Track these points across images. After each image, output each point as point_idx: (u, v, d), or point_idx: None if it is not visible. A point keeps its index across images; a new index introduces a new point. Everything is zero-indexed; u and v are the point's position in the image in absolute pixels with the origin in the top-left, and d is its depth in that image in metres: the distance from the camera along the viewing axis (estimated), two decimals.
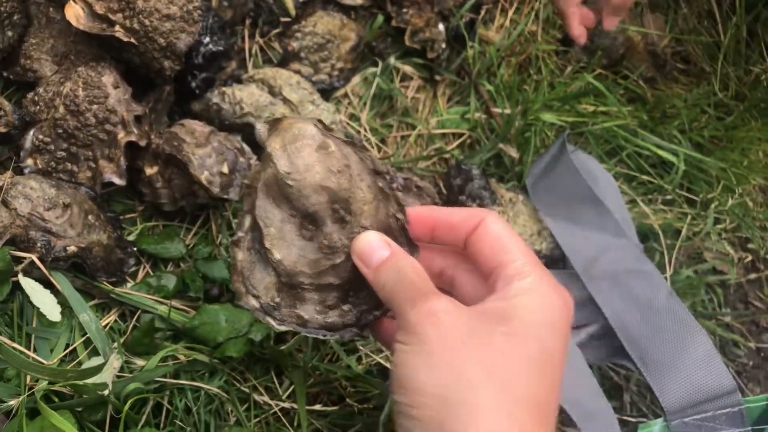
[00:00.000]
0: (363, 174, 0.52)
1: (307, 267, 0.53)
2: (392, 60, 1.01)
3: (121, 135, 0.79)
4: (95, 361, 0.69)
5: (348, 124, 0.97)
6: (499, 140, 0.96)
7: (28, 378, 0.65)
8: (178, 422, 0.69)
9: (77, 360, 0.70)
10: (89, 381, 0.63)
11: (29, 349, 0.68)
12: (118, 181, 0.79)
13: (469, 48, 1.02)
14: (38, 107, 0.80)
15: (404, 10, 1.01)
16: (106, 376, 0.64)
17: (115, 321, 0.74)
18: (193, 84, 0.86)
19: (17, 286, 0.69)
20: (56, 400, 0.65)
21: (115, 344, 0.69)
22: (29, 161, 0.80)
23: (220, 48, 0.86)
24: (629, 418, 0.82)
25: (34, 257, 0.69)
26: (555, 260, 0.88)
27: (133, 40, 0.78)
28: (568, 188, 0.85)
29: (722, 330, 0.96)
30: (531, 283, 0.44)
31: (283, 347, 0.76)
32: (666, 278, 0.89)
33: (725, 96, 1.10)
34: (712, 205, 0.98)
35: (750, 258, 1.05)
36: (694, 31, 1.15)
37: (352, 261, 0.51)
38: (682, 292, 0.92)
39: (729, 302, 1.01)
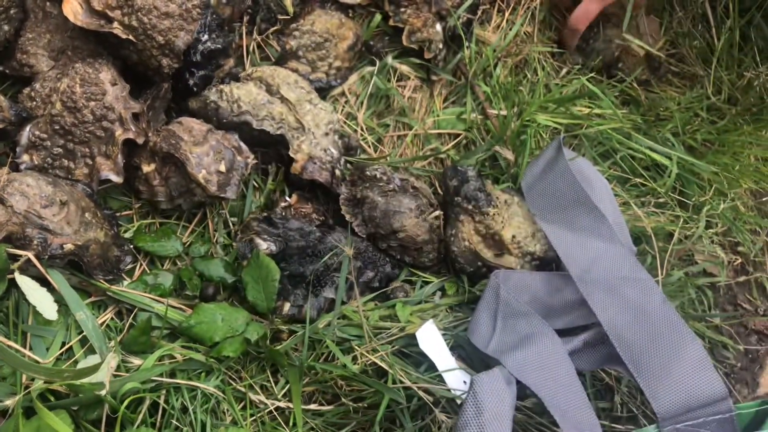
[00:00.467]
0: None
1: None
2: (389, 59, 1.01)
3: (119, 132, 0.79)
4: (91, 360, 0.69)
5: (345, 123, 0.97)
6: (494, 142, 0.96)
7: (24, 377, 0.65)
8: (174, 421, 0.69)
9: (73, 359, 0.70)
10: (86, 380, 0.63)
11: (25, 348, 0.68)
12: (116, 178, 0.79)
13: (466, 48, 1.02)
14: (35, 103, 0.80)
15: (402, 9, 1.01)
16: (103, 376, 0.65)
17: (112, 319, 0.75)
18: (191, 82, 0.85)
19: (13, 283, 0.69)
20: (52, 399, 0.65)
21: (112, 343, 0.69)
22: (25, 157, 0.79)
23: (218, 46, 0.85)
24: (620, 427, 0.83)
25: (30, 255, 0.69)
26: (548, 262, 0.89)
27: (131, 37, 0.78)
28: (563, 193, 0.86)
29: (712, 332, 0.97)
30: None
31: (278, 346, 0.76)
32: (658, 281, 0.90)
33: (718, 100, 1.11)
34: (705, 209, 0.99)
35: (739, 261, 1.07)
36: (688, 35, 1.16)
37: None
38: (672, 295, 0.93)
39: (718, 304, 1.03)
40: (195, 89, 0.86)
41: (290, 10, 0.99)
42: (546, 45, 1.10)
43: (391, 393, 0.73)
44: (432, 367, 0.78)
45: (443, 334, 0.82)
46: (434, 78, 1.03)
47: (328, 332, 0.77)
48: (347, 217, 0.88)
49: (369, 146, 0.97)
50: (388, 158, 0.96)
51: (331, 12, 0.98)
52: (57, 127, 0.79)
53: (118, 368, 0.68)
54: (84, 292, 0.74)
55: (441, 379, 0.77)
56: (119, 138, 0.79)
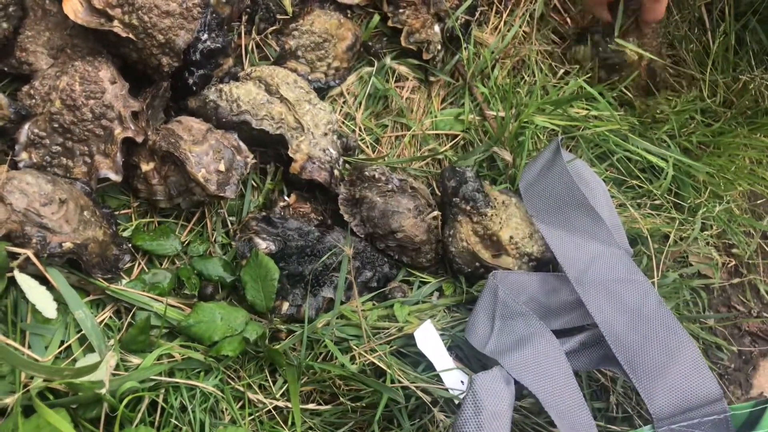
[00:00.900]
0: None
1: None
2: (388, 60, 1.01)
3: (118, 131, 0.79)
4: (90, 358, 0.69)
5: (343, 123, 0.97)
6: (492, 143, 0.97)
7: (23, 375, 0.65)
8: (173, 420, 0.70)
9: (72, 357, 0.70)
10: (85, 379, 0.63)
11: (24, 346, 0.68)
12: (114, 176, 0.79)
13: (464, 50, 1.03)
14: (34, 101, 0.80)
15: (401, 10, 1.01)
16: (102, 374, 0.65)
17: (110, 318, 0.75)
18: (190, 81, 0.85)
19: (12, 282, 0.69)
20: (51, 397, 0.65)
21: (111, 341, 0.69)
22: (24, 155, 0.79)
23: (218, 45, 0.85)
24: (615, 428, 0.84)
25: (29, 253, 0.69)
26: (546, 263, 0.89)
27: (131, 35, 0.78)
28: (560, 194, 0.87)
29: (706, 333, 0.98)
30: None
31: (277, 346, 0.76)
32: (653, 282, 0.90)
33: (713, 102, 1.12)
34: (700, 211, 1.00)
35: (733, 263, 1.08)
36: (685, 38, 1.16)
37: None
38: (667, 296, 0.94)
39: (712, 306, 1.03)
40: (194, 88, 0.86)
41: (289, 10, 0.99)
42: (544, 45, 1.11)
43: (390, 392, 0.74)
44: (430, 366, 0.78)
45: (441, 335, 0.82)
46: (432, 79, 1.04)
47: (327, 332, 0.77)
48: (346, 217, 0.88)
49: (367, 146, 0.97)
50: (386, 159, 0.96)
51: (330, 12, 0.99)
52: (56, 125, 0.79)
53: (117, 367, 0.68)
54: (83, 290, 0.74)
55: (439, 379, 0.77)
56: (118, 136, 0.79)
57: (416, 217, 0.88)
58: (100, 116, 0.79)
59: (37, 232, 0.71)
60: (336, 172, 0.88)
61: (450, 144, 1.01)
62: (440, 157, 0.99)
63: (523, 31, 1.10)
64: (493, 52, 1.04)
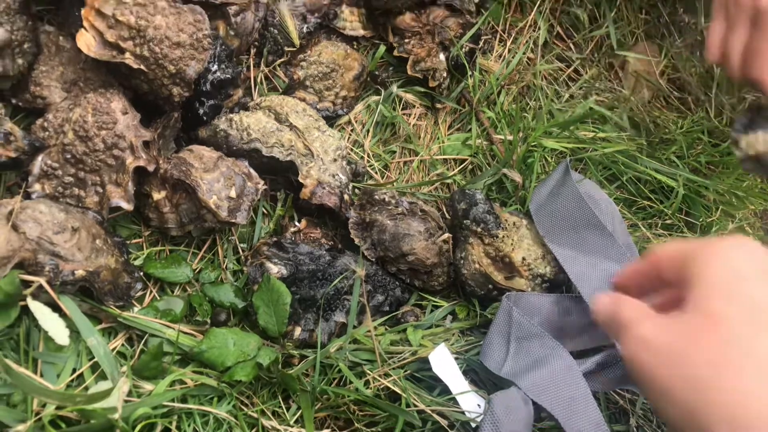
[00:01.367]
0: None
1: None
2: (394, 88, 1.02)
3: (130, 160, 0.80)
4: (102, 386, 0.68)
5: (352, 150, 0.98)
6: (501, 166, 0.97)
7: (35, 403, 0.64)
8: None
9: (84, 385, 0.69)
10: (98, 405, 0.63)
11: (36, 374, 0.68)
12: (126, 205, 0.80)
13: (470, 77, 1.04)
14: (47, 133, 0.81)
15: (406, 40, 1.03)
16: (115, 401, 0.64)
17: (123, 345, 0.74)
18: (201, 111, 0.87)
19: (24, 310, 0.68)
20: (63, 425, 0.64)
21: (124, 368, 0.69)
22: (37, 186, 0.80)
23: (228, 76, 0.87)
24: None
25: (42, 281, 0.69)
26: (558, 284, 0.88)
27: (142, 66, 0.79)
28: (571, 215, 0.86)
29: None
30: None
31: (290, 371, 0.75)
32: None
33: (720, 123, 1.12)
34: (713, 230, 0.99)
35: None
36: (688, 61, 1.18)
37: None
38: None
39: None
40: (205, 118, 0.88)
41: (296, 42, 1.01)
42: (548, 70, 1.12)
43: (406, 416, 0.72)
44: (445, 390, 0.77)
45: (456, 358, 0.81)
46: (439, 106, 1.05)
47: (341, 356, 0.76)
48: (356, 240, 0.88)
49: (376, 172, 0.98)
50: (395, 184, 0.97)
51: (337, 43, 1.01)
52: (69, 156, 0.80)
53: (129, 393, 0.67)
54: (94, 318, 0.74)
55: (455, 402, 0.76)
56: (130, 166, 0.80)
57: (427, 239, 0.87)
58: (112, 146, 0.80)
59: (50, 260, 0.71)
60: (346, 197, 0.89)
61: (458, 168, 1.01)
62: (449, 181, 0.99)
63: (528, 57, 1.11)
64: (498, 78, 1.05)
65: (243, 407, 0.73)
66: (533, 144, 0.97)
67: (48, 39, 0.86)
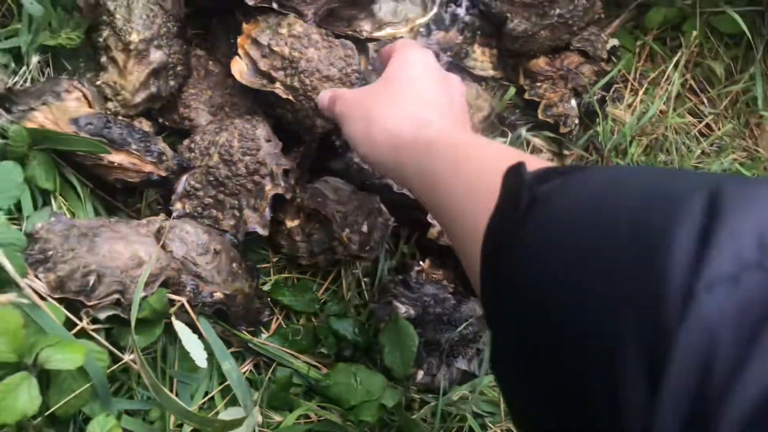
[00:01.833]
0: None
1: None
2: (523, 131, 1.01)
3: (269, 187, 0.81)
4: (232, 412, 0.68)
5: None
6: None
7: (172, 422, 0.65)
8: None
9: (215, 410, 0.69)
10: None
11: (172, 392, 0.69)
12: (261, 231, 0.81)
13: (601, 125, 1.01)
14: (193, 154, 0.83)
15: (538, 84, 1.02)
16: (249, 430, 0.64)
17: (251, 371, 0.74)
18: (337, 143, 0.87)
19: (166, 328, 0.70)
20: None
21: (255, 396, 0.69)
22: (178, 205, 0.82)
23: None
24: None
25: (184, 301, 0.71)
26: None
27: (290, 97, 0.81)
28: None
29: None
30: None
31: (413, 416, 0.74)
32: None
33: None
34: None
35: None
36: None
37: None
38: None
39: None
40: (339, 150, 0.88)
41: None
42: (680, 124, 1.08)
43: None
44: None
45: None
46: (566, 152, 1.03)
47: (467, 406, 0.74)
48: None
49: None
50: None
51: (469, 83, 1.00)
52: (211, 178, 0.82)
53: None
54: (226, 341, 0.75)
55: None
56: (269, 192, 0.81)
57: None
58: (254, 172, 0.81)
59: (191, 281, 0.73)
60: None
61: None
62: None
63: (659, 110, 1.08)
64: (631, 129, 1.02)
65: None
66: None
67: (198, 63, 0.89)
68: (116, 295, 0.66)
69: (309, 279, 0.85)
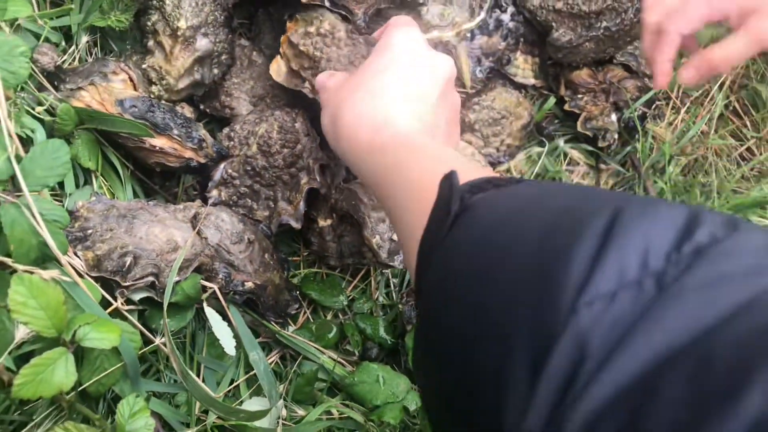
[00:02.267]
0: None
1: None
2: (561, 142, 1.00)
3: (304, 180, 0.81)
4: (256, 402, 0.69)
5: None
6: None
7: (197, 407, 0.65)
8: None
9: (240, 400, 0.70)
10: (257, 424, 0.63)
11: (198, 377, 0.69)
12: (295, 224, 0.81)
13: (640, 141, 1.00)
14: (232, 143, 0.83)
15: (579, 95, 1.01)
16: (273, 422, 0.64)
17: (276, 363, 0.75)
18: None
19: (196, 313, 0.70)
20: None
21: (281, 388, 0.69)
22: (215, 192, 0.82)
23: None
24: None
25: (216, 288, 0.71)
26: None
27: (317, 97, 0.81)
28: None
29: None
30: None
31: None
32: None
33: None
34: None
35: None
36: None
37: None
38: None
39: None
40: None
41: (467, 84, 1.01)
42: (721, 146, 1.07)
43: None
44: None
45: None
46: (603, 167, 1.02)
47: None
48: None
49: None
50: None
51: (510, 90, 0.99)
52: (248, 168, 0.82)
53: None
54: (254, 331, 0.75)
55: None
56: (304, 186, 0.81)
57: None
58: (291, 165, 0.82)
59: (224, 268, 0.73)
60: None
61: None
62: None
63: (700, 130, 1.06)
64: (672, 147, 1.01)
65: None
66: None
67: (242, 52, 0.90)
68: (151, 278, 0.66)
69: (338, 275, 0.85)
